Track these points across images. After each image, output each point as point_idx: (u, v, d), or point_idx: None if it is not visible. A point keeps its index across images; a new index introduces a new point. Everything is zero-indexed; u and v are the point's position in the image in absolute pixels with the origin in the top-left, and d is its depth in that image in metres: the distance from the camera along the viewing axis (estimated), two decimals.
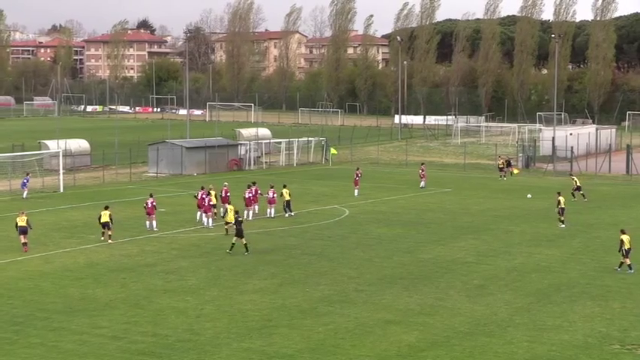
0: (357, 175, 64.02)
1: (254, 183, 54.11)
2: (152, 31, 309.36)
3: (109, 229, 44.89)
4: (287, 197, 53.58)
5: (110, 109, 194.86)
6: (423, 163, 73.67)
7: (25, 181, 61.93)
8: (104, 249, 43.03)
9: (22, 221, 42.99)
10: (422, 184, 68.31)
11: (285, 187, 54.90)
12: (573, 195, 60.73)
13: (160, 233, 47.28)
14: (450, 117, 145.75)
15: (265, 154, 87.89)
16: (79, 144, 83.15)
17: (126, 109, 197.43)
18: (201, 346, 27.43)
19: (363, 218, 53.12)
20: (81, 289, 34.66)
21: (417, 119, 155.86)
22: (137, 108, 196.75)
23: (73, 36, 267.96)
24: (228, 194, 53.31)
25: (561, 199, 51.16)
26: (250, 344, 27.69)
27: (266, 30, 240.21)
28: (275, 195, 53.43)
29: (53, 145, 76.77)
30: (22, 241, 42.71)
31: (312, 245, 44.37)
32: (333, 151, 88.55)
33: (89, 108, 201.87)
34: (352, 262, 40.08)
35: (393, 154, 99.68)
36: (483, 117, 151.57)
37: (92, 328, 29.34)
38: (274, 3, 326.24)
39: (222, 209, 51.52)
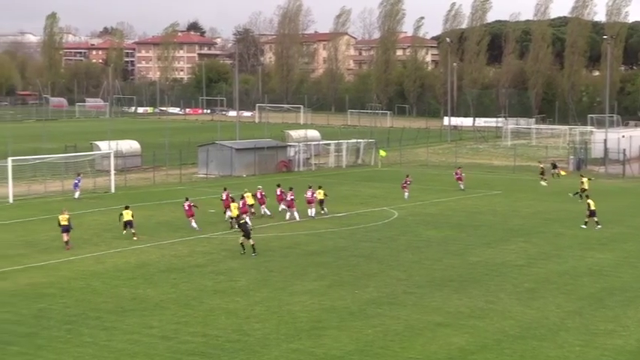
0: (407, 182, 63.30)
1: (291, 188, 54.02)
2: (202, 33, 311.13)
3: (131, 227, 45.88)
4: (321, 197, 54.26)
5: (160, 110, 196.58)
6: (459, 167, 73.14)
7: (77, 181, 62.63)
8: (155, 249, 43.33)
9: (64, 220, 43.76)
10: (461, 186, 67.83)
11: (320, 187, 55.53)
12: (580, 196, 59.85)
13: (210, 234, 47.50)
14: (499, 119, 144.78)
15: (314, 155, 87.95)
16: (130, 145, 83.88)
17: (176, 110, 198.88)
18: (251, 347, 27.50)
19: (412, 220, 52.94)
20: (132, 289, 34.94)
21: (466, 121, 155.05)
22: (187, 109, 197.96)
23: (124, 38, 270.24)
24: (264, 194, 54.15)
25: (590, 202, 50.66)
26: (299, 345, 27.70)
27: (315, 32, 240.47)
28: (314, 195, 53.73)
29: (105, 146, 77.55)
30: (65, 239, 43.43)
31: (361, 247, 44.30)
32: (382, 153, 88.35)
33: (140, 109, 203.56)
34: (401, 264, 39.94)
35: (442, 156, 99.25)
36: (534, 119, 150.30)
37: (143, 327, 29.54)
38: (323, 5, 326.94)
39: (265, 211, 52.86)
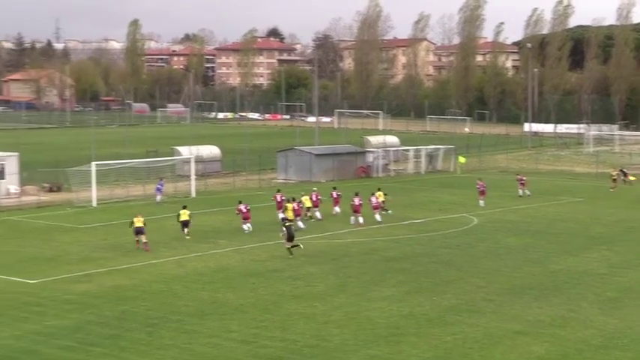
0: (481, 187, 62.66)
1: (357, 194, 53.96)
2: (282, 39, 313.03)
3: (186, 226, 47.52)
4: (381, 198, 54.60)
5: (240, 116, 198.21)
6: (518, 174, 72.29)
7: (160, 186, 63.56)
8: (234, 254, 43.73)
9: (138, 222, 44.78)
10: (520, 192, 66.89)
11: (379, 189, 56.02)
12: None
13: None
14: (581, 125, 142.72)
15: (393, 161, 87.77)
16: (210, 150, 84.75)
17: (255, 116, 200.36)
18: (329, 352, 27.57)
19: (491, 227, 52.51)
20: (212, 293, 35.30)
21: (547, 127, 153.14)
22: (266, 115, 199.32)
23: (204, 44, 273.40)
24: (319, 198, 54.94)
25: None
26: (377, 352, 27.69)
27: (394, 37, 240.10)
28: (378, 200, 53.94)
29: (185, 151, 78.49)
30: (143, 240, 44.40)
31: (439, 253, 44.10)
32: (461, 159, 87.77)
33: (220, 115, 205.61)
34: (480, 272, 39.65)
35: (523, 162, 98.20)
36: (617, 125, 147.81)
37: (223, 331, 29.83)
38: (403, 11, 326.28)
39: (316, 214, 54.02)
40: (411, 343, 28.56)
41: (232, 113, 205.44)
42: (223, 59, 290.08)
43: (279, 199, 53.65)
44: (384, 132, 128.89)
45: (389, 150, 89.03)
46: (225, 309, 32.78)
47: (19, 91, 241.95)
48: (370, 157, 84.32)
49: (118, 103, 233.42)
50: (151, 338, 28.98)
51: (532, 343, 28.55)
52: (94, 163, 62.06)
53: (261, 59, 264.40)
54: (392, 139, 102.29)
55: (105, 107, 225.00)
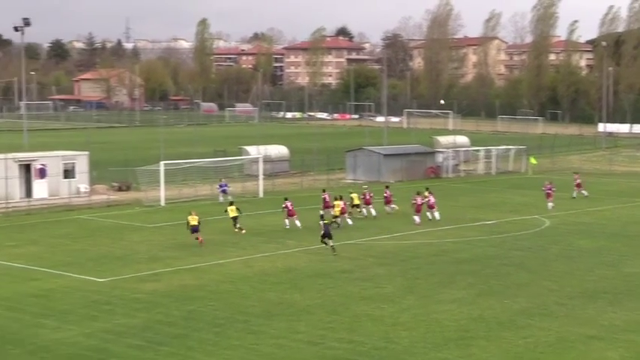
0: (549, 189, 61.75)
1: (419, 193, 54.59)
2: (350, 38, 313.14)
3: (235, 222, 49.09)
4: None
5: (309, 115, 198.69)
6: (576, 173, 71.25)
7: (225, 186, 63.76)
8: (302, 254, 43.81)
9: (193, 220, 45.74)
10: (574, 194, 65.82)
11: (427, 189, 56.33)
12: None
13: (356, 240, 47.73)
14: None
15: (463, 162, 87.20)
16: (279, 150, 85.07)
17: (324, 115, 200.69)
18: (397, 355, 27.46)
19: (564, 229, 51.85)
20: (279, 294, 35.42)
21: (622, 128, 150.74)
22: (335, 115, 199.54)
23: (273, 43, 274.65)
24: (371, 195, 56.08)
25: None
26: (447, 355, 27.51)
27: (465, 36, 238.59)
28: (428, 200, 54.18)
29: (253, 151, 78.89)
30: (199, 238, 45.34)
31: (510, 256, 43.67)
32: (532, 160, 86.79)
33: (288, 114, 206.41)
34: (552, 274, 39.15)
35: (597, 163, 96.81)
36: None
37: (290, 332, 29.90)
38: (473, 9, 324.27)
39: (366, 211, 55.22)
40: (481, 346, 28.31)
41: (300, 113, 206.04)
42: (292, 58, 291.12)
43: (327, 198, 54.86)
44: (454, 132, 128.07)
45: (459, 150, 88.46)
46: (292, 310, 32.86)
47: (89, 91, 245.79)
48: (440, 158, 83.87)
49: (187, 103, 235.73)
50: (218, 338, 29.17)
51: (606, 349, 28.10)
52: (162, 163, 62.69)
53: (329, 58, 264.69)
54: (462, 140, 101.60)
55: (174, 107, 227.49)
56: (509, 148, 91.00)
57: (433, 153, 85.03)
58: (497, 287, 36.69)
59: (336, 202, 51.90)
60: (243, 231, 48.86)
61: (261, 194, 66.63)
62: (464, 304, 33.76)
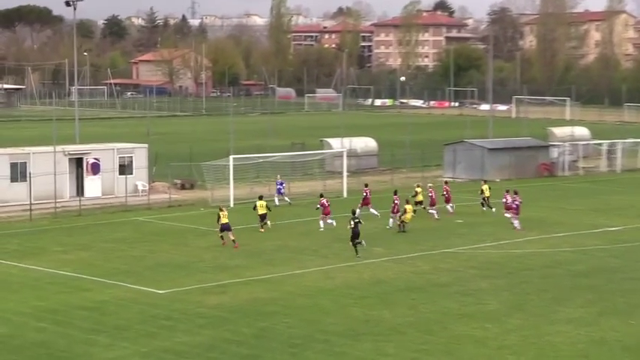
0: None
1: (516, 192, 54.46)
2: (450, 13, 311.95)
3: (263, 220, 51.43)
4: (487, 194, 58.36)
5: (401, 102, 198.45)
6: None
7: (280, 185, 63.15)
8: (392, 264, 43.74)
9: (224, 217, 47.51)
10: None
11: (485, 182, 59.69)
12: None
13: (455, 248, 47.50)
14: None
15: (583, 157, 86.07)
16: (366, 143, 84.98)
17: (419, 103, 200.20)
18: None
19: None
20: (365, 310, 35.39)
21: None
22: (432, 102, 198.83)
23: (360, 20, 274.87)
24: (449, 190, 58.77)
25: None
26: None
27: (585, 10, 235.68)
28: (516, 202, 53.95)
29: (337, 144, 78.91)
30: (231, 237, 47.08)
31: (637, 268, 42.99)
32: None
33: (377, 102, 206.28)
34: None
35: None
36: None
37: (377, 355, 29.86)
38: None
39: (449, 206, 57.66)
40: None
41: (391, 100, 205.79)
42: (382, 37, 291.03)
43: (368, 194, 57.66)
44: (572, 122, 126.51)
45: (577, 144, 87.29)
46: (380, 329, 32.81)
47: (149, 74, 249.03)
48: (555, 153, 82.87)
49: (260, 88, 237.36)
50: None
51: None
52: (232, 157, 63.07)
53: (426, 37, 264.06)
54: (581, 131, 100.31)
55: (245, 92, 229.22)
56: (638, 142, 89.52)
57: (547, 147, 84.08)
58: (622, 305, 36.17)
59: (407, 207, 52.37)
60: (261, 230, 51.38)
61: (345, 194, 66.63)
62: (582, 324, 33.36)
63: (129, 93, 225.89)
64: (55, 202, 60.07)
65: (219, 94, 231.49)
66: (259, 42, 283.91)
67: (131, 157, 66.96)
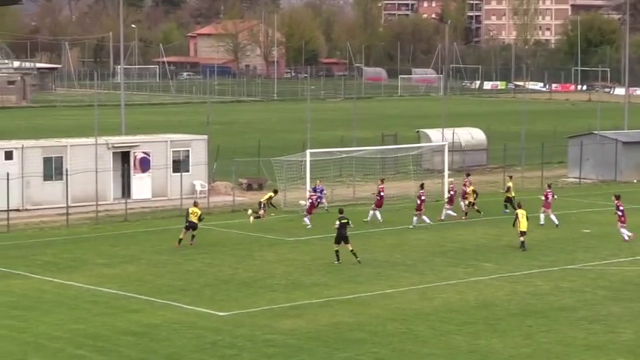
0: None
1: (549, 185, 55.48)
2: None
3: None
4: (512, 193, 61.14)
5: (516, 86, 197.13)
6: None
7: (320, 191, 62.04)
8: (503, 283, 43.55)
9: (194, 215, 50.55)
10: None
11: (511, 177, 63.41)
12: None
13: (581, 264, 47.18)
14: None
15: None
16: (472, 135, 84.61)
17: (538, 86, 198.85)
18: None
19: None
20: (470, 338, 35.32)
21: None
22: (554, 85, 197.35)
23: None
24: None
25: None
26: None
27: None
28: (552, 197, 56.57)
29: (436, 136, 78.68)
30: (191, 234, 50.13)
31: None
32: None
33: (487, 85, 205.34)
34: None
35: None
36: None
37: None
38: None
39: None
40: None
41: (504, 82, 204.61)
42: (493, 5, 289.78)
43: (382, 191, 58.92)
44: None
45: None
46: None
47: (210, 52, 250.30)
48: None
49: (344, 68, 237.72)
50: None
51: None
52: (308, 152, 63.15)
53: (547, 4, 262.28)
54: None
55: (326, 73, 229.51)
56: None
57: None
58: None
59: (519, 212, 51.65)
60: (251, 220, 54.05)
61: (446, 196, 66.37)
62: None
63: (185, 74, 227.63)
64: (97, 205, 60.46)
65: (293, 74, 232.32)
66: (343, 12, 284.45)
67: (187, 151, 67.34)
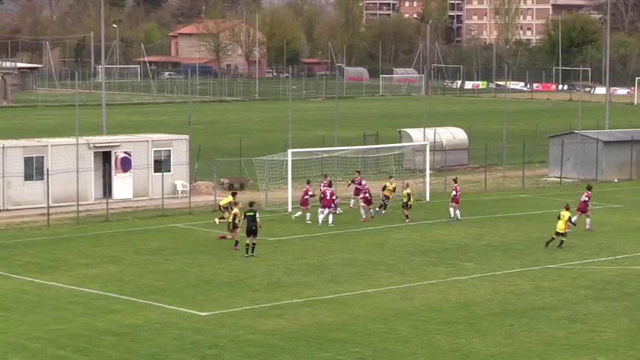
0: None
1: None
2: None
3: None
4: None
5: (497, 85, 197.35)
6: None
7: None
8: (485, 282, 43.65)
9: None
10: None
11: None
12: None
13: (562, 263, 47.30)
14: None
15: None
16: (453, 134, 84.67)
17: (519, 85, 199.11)
18: None
19: None
20: (451, 338, 35.39)
21: None
22: (535, 85, 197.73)
23: None
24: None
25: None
26: None
27: None
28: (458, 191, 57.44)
29: (418, 136, 78.75)
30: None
31: None
32: None
33: (468, 84, 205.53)
34: None
35: None
36: None
37: None
38: None
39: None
40: None
41: (485, 82, 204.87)
42: (474, 4, 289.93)
43: (362, 182, 60.17)
44: None
45: None
46: None
47: (191, 51, 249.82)
48: None
49: (326, 68, 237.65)
50: None
51: None
52: (290, 151, 63.14)
53: (528, 4, 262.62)
54: None
55: (307, 73, 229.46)
56: None
57: None
58: None
59: (563, 213, 51.15)
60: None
61: (427, 197, 66.49)
62: None
63: (166, 73, 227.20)
64: (78, 205, 60.40)
65: (275, 74, 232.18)
66: (324, 12, 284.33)
67: (169, 150, 67.30)
